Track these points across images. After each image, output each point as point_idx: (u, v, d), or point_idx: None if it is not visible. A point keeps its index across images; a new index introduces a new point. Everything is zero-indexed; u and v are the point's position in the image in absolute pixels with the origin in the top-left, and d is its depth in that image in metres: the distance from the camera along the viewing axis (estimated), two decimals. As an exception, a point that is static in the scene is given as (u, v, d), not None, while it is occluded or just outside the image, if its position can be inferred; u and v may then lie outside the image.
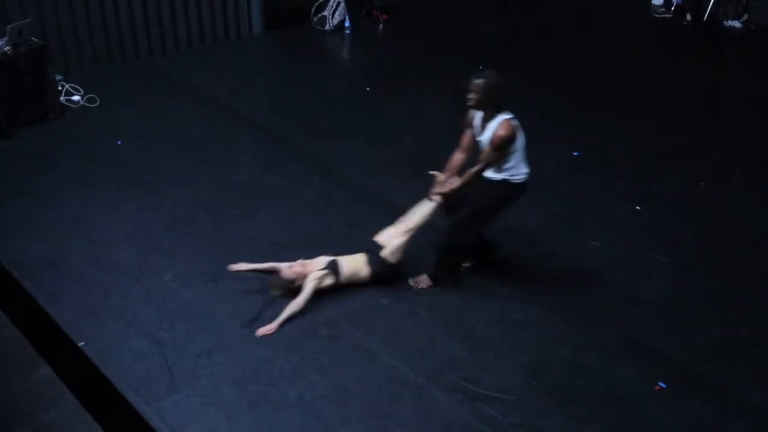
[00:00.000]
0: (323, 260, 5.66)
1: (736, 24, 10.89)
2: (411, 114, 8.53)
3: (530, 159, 7.53)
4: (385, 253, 5.71)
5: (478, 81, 5.36)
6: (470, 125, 5.63)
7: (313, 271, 5.57)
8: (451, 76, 9.46)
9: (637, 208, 6.77)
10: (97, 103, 8.55)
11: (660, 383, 4.90)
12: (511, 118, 5.37)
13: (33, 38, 8.02)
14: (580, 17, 11.32)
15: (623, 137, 8.04)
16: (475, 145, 5.62)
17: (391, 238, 5.75)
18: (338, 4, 10.81)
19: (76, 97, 8.58)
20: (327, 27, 10.84)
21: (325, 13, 10.84)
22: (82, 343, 5.12)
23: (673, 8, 11.34)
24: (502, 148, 5.36)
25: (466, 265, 5.96)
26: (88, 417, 4.53)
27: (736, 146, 7.80)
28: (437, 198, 5.71)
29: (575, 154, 7.70)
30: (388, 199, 6.89)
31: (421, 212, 5.77)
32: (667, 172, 7.39)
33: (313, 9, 10.92)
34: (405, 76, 9.50)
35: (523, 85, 9.22)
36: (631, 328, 5.43)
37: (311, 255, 5.81)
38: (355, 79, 9.70)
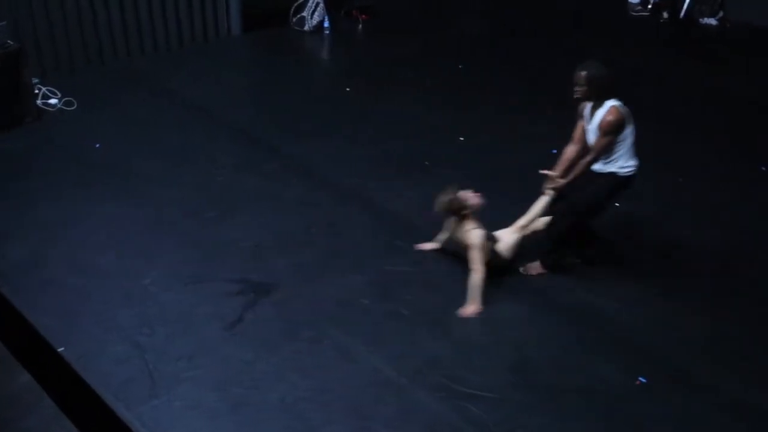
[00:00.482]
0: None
1: (712, 21, 10.98)
2: (392, 114, 8.53)
3: (512, 156, 7.62)
4: (499, 246, 5.77)
5: (581, 73, 5.45)
6: (581, 117, 5.69)
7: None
8: (432, 75, 9.50)
9: (617, 205, 6.79)
10: (75, 106, 8.49)
11: (640, 378, 4.92)
12: (620, 105, 5.41)
13: (8, 41, 7.95)
14: (556, 15, 11.36)
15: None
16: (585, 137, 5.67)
17: (507, 234, 5.83)
18: (317, 4, 10.79)
19: (53, 101, 8.51)
20: (306, 27, 10.82)
21: (304, 13, 10.82)
22: (62, 349, 5.06)
23: (649, 6, 11.41)
24: (610, 132, 5.39)
25: (576, 261, 5.97)
26: (68, 422, 4.47)
27: (716, 140, 7.85)
28: (550, 192, 5.79)
29: (554, 151, 7.71)
30: (370, 199, 6.89)
31: (536, 208, 5.87)
32: (647, 166, 7.42)
33: (292, 10, 10.90)
34: (385, 76, 9.50)
35: (504, 82, 9.26)
36: (615, 324, 5.44)
37: (294, 256, 5.81)
38: (335, 79, 9.68)
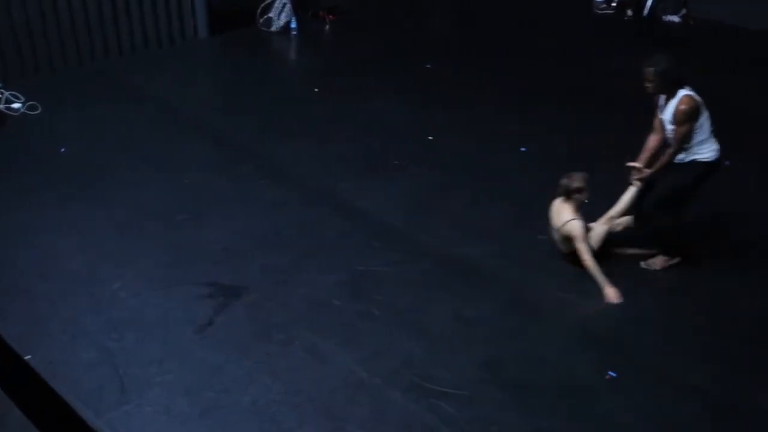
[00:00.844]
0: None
1: (675, 18, 11.11)
2: (361, 113, 8.53)
3: (482, 154, 7.65)
4: (590, 236, 5.86)
5: (650, 69, 5.58)
6: (657, 107, 5.80)
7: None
8: (399, 74, 9.51)
9: (585, 201, 6.85)
10: (39, 110, 8.39)
11: (610, 372, 4.97)
12: (692, 93, 5.52)
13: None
14: (522, 14, 11.43)
15: (571, 132, 8.13)
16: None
17: (598, 225, 5.92)
18: (284, 5, 10.76)
19: (16, 105, 8.40)
20: (273, 28, 10.78)
21: (271, 14, 10.78)
22: (29, 357, 5.00)
23: (614, 4, 11.51)
24: (684, 121, 5.49)
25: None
26: None
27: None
28: (638, 184, 5.88)
29: (523, 149, 7.77)
30: (341, 199, 6.89)
31: (624, 199, 5.95)
32: (613, 165, 7.48)
33: (259, 10, 10.85)
34: (354, 76, 9.50)
35: (471, 81, 9.29)
36: (583, 319, 5.49)
37: (265, 258, 5.79)
38: (303, 79, 9.66)
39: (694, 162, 5.66)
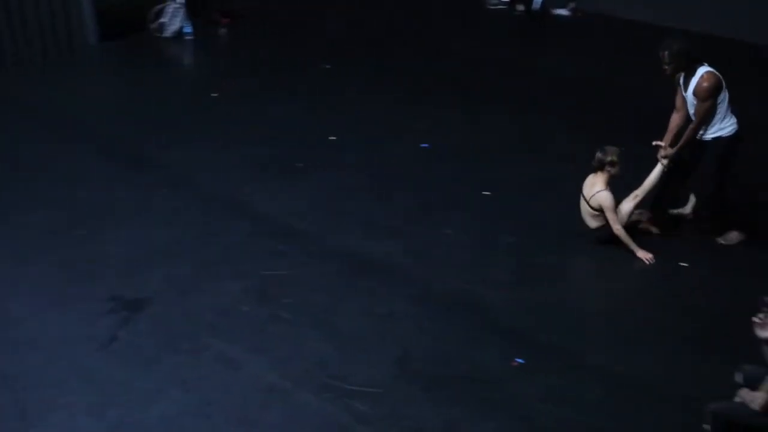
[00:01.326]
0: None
1: (564, 12, 11.43)
2: (262, 116, 8.44)
3: (384, 152, 7.69)
4: (618, 212, 6.04)
5: (664, 53, 5.70)
6: (678, 86, 5.92)
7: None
8: (298, 76, 9.47)
9: (486, 193, 6.99)
10: None
11: (517, 359, 5.08)
12: (712, 70, 5.65)
13: None
14: (415, 12, 11.53)
15: (470, 126, 8.26)
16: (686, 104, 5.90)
17: (626, 204, 6.07)
18: (177, 9, 10.55)
19: None
20: (166, 33, 10.56)
21: (164, 19, 10.55)
22: None
23: (505, -1, 11.76)
24: (708, 97, 5.65)
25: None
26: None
27: (578, 126, 8.16)
28: (665, 161, 6.02)
29: (425, 146, 7.85)
30: (244, 204, 6.81)
31: (651, 178, 6.06)
32: (512, 156, 7.66)
33: (151, 15, 10.61)
34: (252, 79, 9.40)
35: (371, 81, 9.33)
36: (489, 309, 5.59)
37: (168, 268, 5.69)
38: (200, 85, 9.51)
39: (718, 139, 5.86)
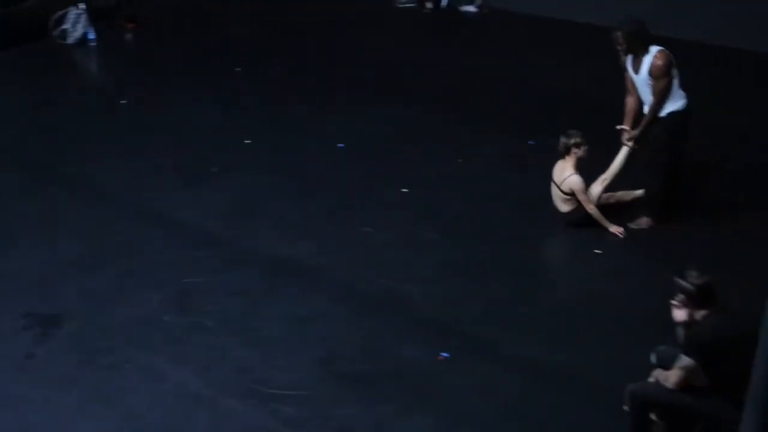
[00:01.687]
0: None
1: (471, 9, 11.60)
2: (173, 122, 8.30)
3: (300, 154, 7.67)
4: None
5: (618, 33, 5.81)
6: (626, 69, 6.00)
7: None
8: (209, 80, 9.34)
9: (405, 190, 7.04)
10: None
11: (443, 353, 5.14)
12: (662, 48, 5.77)
13: None
14: (323, 12, 11.52)
15: (384, 125, 8.30)
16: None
17: (595, 187, 6.22)
18: (79, 15, 10.26)
19: None
20: (70, 40, 10.26)
21: (66, 26, 10.25)
22: None
23: (414, -3, 11.85)
24: (663, 75, 5.77)
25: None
26: None
27: (487, 121, 8.29)
28: (630, 144, 6.18)
29: (340, 145, 7.86)
30: (159, 212, 6.70)
31: (617, 161, 6.23)
32: (428, 152, 7.74)
33: (52, 22, 10.29)
34: (161, 85, 9.22)
35: (283, 82, 9.28)
36: (413, 305, 5.64)
37: (84, 282, 5.55)
38: (107, 92, 9.28)
39: (671, 114, 6.00)
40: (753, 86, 8.99)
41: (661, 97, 6.01)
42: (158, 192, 6.99)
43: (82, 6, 10.27)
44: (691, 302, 4.11)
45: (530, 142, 7.73)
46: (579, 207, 6.24)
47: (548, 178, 6.30)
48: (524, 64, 9.68)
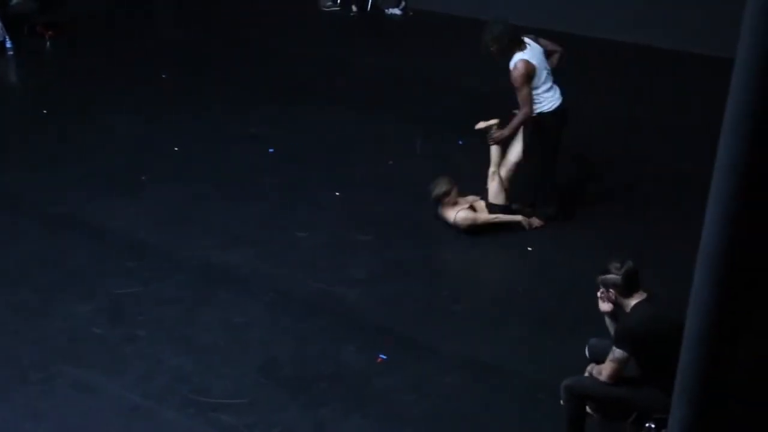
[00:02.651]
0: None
1: (397, 12, 11.70)
2: (99, 131, 8.12)
3: (230, 159, 7.59)
4: (490, 198, 6.32)
5: (485, 38, 5.83)
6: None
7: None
8: (133, 87, 9.18)
9: (337, 193, 7.06)
10: None
11: (381, 355, 5.18)
12: (526, 57, 5.78)
13: None
14: (250, 16, 11.46)
15: (314, 128, 8.30)
16: None
17: (489, 185, 6.30)
18: (-5, 23, 9.96)
19: None
20: (-15, 49, 9.95)
21: (-19, 34, 9.94)
22: None
23: (339, 1, 11.88)
24: (522, 84, 5.79)
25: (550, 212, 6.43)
26: None
27: (418, 122, 8.37)
28: (492, 144, 6.25)
29: (270, 150, 7.83)
30: (87, 222, 6.57)
31: (493, 155, 6.28)
32: (359, 154, 7.78)
33: (-34, 31, 9.96)
34: (84, 93, 9.02)
35: (206, 89, 9.19)
36: (348, 308, 5.67)
37: (10, 296, 5.41)
38: (28, 102, 9.06)
39: (540, 115, 6.05)
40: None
41: (526, 106, 6.06)
42: (86, 202, 6.84)
43: (-3, 14, 9.98)
44: (617, 292, 4.22)
45: (459, 142, 7.84)
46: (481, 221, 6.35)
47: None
48: (450, 65, 9.79)
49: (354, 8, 11.77)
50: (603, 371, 4.26)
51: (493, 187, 6.37)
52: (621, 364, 4.18)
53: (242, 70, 9.73)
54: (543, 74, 6.05)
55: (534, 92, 6.04)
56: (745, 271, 2.39)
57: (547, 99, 6.12)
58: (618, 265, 4.21)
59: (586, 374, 4.43)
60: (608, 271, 4.22)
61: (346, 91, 9.24)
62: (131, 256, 6.13)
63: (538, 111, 6.11)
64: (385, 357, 5.17)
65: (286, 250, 6.28)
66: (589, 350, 4.61)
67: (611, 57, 9.88)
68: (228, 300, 5.70)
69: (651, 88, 9.17)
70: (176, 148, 7.77)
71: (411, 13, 11.68)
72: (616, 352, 4.18)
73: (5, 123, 8.35)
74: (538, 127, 6.17)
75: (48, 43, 10.41)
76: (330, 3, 11.88)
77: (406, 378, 5.02)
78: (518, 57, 5.96)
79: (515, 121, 6.17)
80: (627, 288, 4.20)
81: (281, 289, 5.84)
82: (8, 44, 9.96)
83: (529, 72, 5.94)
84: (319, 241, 6.40)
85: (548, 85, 6.10)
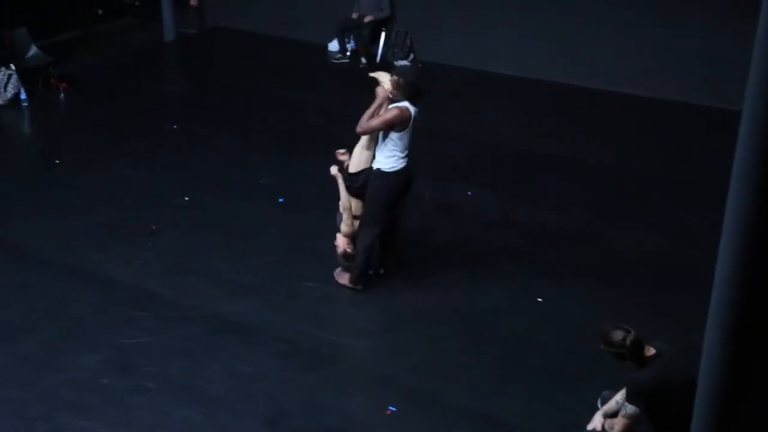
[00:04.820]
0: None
1: (405, 63, 11.82)
2: (108, 181, 8.18)
3: (240, 210, 7.60)
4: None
5: (394, 77, 5.86)
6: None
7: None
8: (144, 137, 9.27)
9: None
10: None
11: (390, 407, 5.12)
12: (407, 107, 5.81)
13: None
14: (259, 68, 11.59)
15: (323, 178, 8.30)
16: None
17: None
18: (10, 75, 10.11)
19: None
20: (0, 101, 10.09)
21: (-4, 86, 10.08)
22: None
23: (348, 54, 12.03)
24: (384, 121, 5.82)
25: (380, 271, 6.31)
26: None
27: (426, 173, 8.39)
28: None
29: (280, 200, 7.86)
30: (94, 272, 6.57)
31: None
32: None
33: (-19, 84, 10.11)
34: (95, 143, 9.10)
35: (216, 139, 9.26)
36: (356, 359, 5.64)
37: (14, 347, 5.39)
38: (41, 152, 9.14)
39: (377, 171, 6.02)
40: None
41: (362, 130, 6.03)
42: (94, 252, 6.85)
43: (12, 67, 10.14)
44: (627, 359, 4.23)
45: (468, 193, 7.83)
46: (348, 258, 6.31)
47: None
48: (459, 115, 9.87)
49: (363, 60, 11.89)
50: (615, 427, 4.21)
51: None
52: (632, 419, 4.15)
53: (252, 121, 9.82)
54: (404, 138, 5.96)
55: (390, 147, 5.96)
56: (756, 328, 2.37)
57: (392, 161, 6.00)
58: (621, 334, 4.20)
59: (598, 426, 4.38)
60: (613, 345, 4.20)
61: (354, 141, 9.27)
62: (138, 305, 6.12)
63: (377, 166, 6.04)
64: (394, 409, 5.11)
65: (294, 300, 6.27)
66: (601, 403, 4.56)
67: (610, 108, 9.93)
68: (235, 350, 5.68)
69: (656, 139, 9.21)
70: (186, 198, 7.81)
71: (420, 65, 11.81)
72: (628, 408, 4.15)
73: (16, 172, 8.42)
74: (373, 184, 6.05)
75: (62, 94, 10.55)
76: (339, 55, 12.03)
77: (419, 430, 4.95)
78: (403, 104, 5.88)
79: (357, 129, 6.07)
80: (635, 355, 4.19)
81: (288, 339, 5.81)
82: (23, 96, 10.10)
83: (396, 119, 5.85)
84: (327, 291, 6.38)
85: (403, 150, 6.00)
